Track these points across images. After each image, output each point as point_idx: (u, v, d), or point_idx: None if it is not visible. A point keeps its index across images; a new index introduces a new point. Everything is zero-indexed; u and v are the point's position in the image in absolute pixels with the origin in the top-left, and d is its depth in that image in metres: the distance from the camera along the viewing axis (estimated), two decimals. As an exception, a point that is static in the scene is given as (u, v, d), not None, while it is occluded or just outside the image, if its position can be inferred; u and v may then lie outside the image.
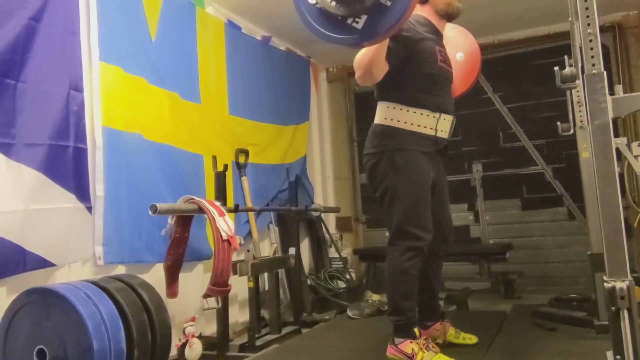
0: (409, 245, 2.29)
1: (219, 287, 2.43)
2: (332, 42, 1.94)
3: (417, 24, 2.36)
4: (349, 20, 1.87)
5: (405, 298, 2.31)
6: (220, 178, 3.20)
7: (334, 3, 1.86)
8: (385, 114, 2.38)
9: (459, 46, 2.77)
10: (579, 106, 2.82)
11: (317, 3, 1.90)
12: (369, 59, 2.11)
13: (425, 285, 2.52)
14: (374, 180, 2.41)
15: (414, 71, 2.33)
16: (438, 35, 2.48)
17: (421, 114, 2.34)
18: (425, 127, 2.35)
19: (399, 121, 2.34)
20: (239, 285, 3.43)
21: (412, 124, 2.33)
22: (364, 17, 1.85)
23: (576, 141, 2.85)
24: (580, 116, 2.82)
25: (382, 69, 2.18)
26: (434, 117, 2.36)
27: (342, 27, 1.88)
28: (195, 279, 3.28)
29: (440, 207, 2.50)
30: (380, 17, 1.83)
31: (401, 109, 2.34)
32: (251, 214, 3.73)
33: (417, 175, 2.34)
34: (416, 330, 2.39)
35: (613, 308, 1.43)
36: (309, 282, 4.29)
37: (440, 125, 2.38)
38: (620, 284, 1.43)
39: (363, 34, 1.87)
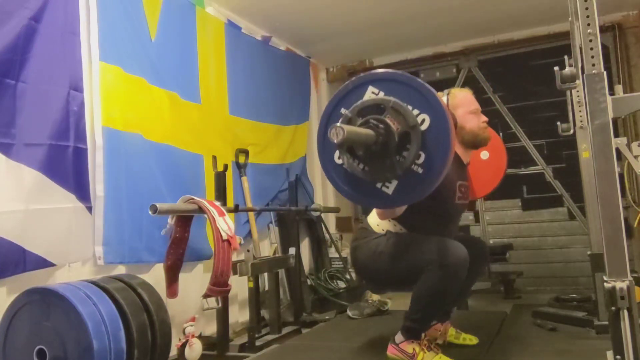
0: (447, 262, 2.12)
1: (219, 287, 2.42)
2: (360, 205, 1.88)
3: None
4: (379, 185, 1.79)
5: (433, 314, 2.31)
6: (220, 178, 3.19)
7: (361, 166, 1.77)
8: (388, 227, 2.36)
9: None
10: (579, 106, 2.82)
11: (343, 164, 1.81)
12: None
13: None
14: (368, 265, 2.38)
15: (428, 207, 2.22)
16: (461, 166, 2.43)
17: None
18: None
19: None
20: (239, 285, 3.43)
21: None
22: (395, 182, 1.77)
23: (576, 141, 2.85)
24: (580, 116, 2.82)
25: (403, 207, 2.18)
26: None
27: (371, 190, 1.80)
28: (195, 279, 3.27)
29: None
30: (412, 184, 1.75)
31: (404, 231, 2.34)
32: (251, 214, 3.73)
33: (405, 234, 2.33)
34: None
35: (613, 308, 1.43)
36: (309, 282, 4.29)
37: None
38: (620, 284, 1.42)
39: (393, 200, 1.81)
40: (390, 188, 1.77)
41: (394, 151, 1.72)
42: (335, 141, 1.57)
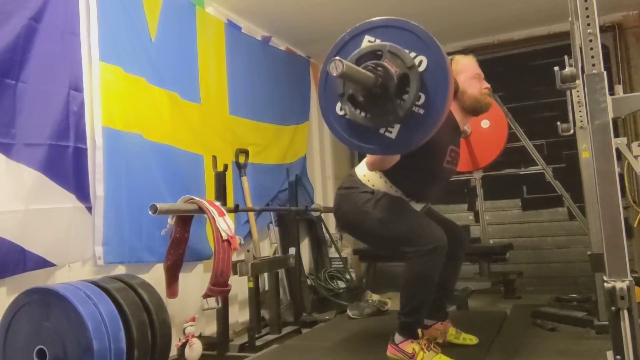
0: (429, 247, 2.15)
1: (219, 287, 2.42)
2: (364, 153, 1.88)
3: None
4: (382, 130, 1.79)
5: (422, 304, 2.28)
6: (220, 178, 3.20)
7: (362, 114, 1.77)
8: (374, 180, 2.33)
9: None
10: (579, 106, 2.82)
11: (345, 114, 1.81)
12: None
13: (438, 285, 2.48)
14: (349, 217, 2.36)
15: (416, 164, 2.25)
16: (456, 131, 2.41)
17: (402, 198, 2.32)
18: None
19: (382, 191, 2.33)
20: (239, 285, 3.43)
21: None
22: (397, 127, 1.77)
23: (576, 141, 2.85)
24: (580, 116, 2.81)
25: (394, 159, 2.18)
26: (412, 204, 2.35)
27: (374, 137, 1.80)
28: (195, 279, 3.28)
29: (436, 216, 2.49)
30: (414, 126, 1.76)
31: (387, 185, 2.31)
32: (251, 214, 3.73)
33: (393, 199, 2.30)
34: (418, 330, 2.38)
35: (613, 308, 1.43)
36: (309, 282, 4.29)
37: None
38: (620, 284, 1.42)
39: (397, 145, 1.81)
40: (393, 133, 1.79)
41: (394, 94, 1.73)
42: (335, 74, 1.58)
